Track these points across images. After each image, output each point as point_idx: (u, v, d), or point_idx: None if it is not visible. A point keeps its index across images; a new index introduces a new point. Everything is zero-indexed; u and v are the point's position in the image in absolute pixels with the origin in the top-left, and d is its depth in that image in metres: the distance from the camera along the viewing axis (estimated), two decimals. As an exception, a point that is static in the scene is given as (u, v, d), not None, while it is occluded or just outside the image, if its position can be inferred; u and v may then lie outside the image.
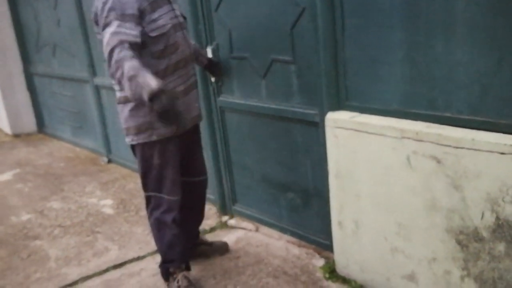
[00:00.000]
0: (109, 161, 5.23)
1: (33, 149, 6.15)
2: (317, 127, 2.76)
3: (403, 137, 2.20)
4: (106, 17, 2.30)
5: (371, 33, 2.34)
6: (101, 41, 2.37)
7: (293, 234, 3.21)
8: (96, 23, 2.42)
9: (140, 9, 2.34)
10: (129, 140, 2.60)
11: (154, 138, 2.53)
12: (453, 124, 2.09)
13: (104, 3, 2.32)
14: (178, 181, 2.66)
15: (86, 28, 4.85)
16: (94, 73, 5.01)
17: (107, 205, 4.17)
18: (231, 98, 3.30)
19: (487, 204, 1.95)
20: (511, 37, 1.86)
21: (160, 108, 2.10)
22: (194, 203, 2.95)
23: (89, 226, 3.80)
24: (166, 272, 2.78)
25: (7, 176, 5.22)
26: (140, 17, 2.34)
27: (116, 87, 2.52)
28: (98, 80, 4.97)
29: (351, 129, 2.46)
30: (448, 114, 2.12)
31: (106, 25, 2.30)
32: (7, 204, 4.42)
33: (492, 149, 1.88)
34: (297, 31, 2.71)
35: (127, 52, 2.22)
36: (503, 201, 1.89)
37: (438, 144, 2.06)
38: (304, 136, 2.91)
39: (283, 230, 3.28)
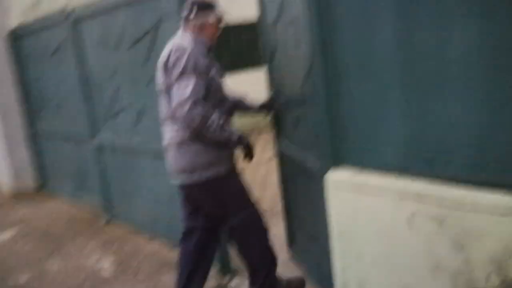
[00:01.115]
0: (109, 221, 5.17)
1: (33, 207, 6.11)
2: (320, 182, 2.74)
3: (403, 198, 2.18)
4: (184, 67, 2.62)
5: (368, 91, 2.36)
6: (164, 88, 2.74)
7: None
8: (166, 67, 2.70)
9: (207, 66, 2.73)
10: (196, 177, 2.81)
11: (223, 170, 2.84)
12: (454, 183, 2.07)
13: (182, 54, 2.64)
14: None
15: (89, 87, 4.93)
16: (95, 131, 5.05)
17: (104, 267, 4.08)
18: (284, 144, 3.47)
19: (492, 266, 1.90)
20: (507, 94, 1.87)
21: (245, 145, 2.86)
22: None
23: (86, 289, 3.71)
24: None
25: (5, 235, 5.15)
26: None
27: (176, 131, 2.79)
28: (99, 139, 5.00)
29: (352, 188, 2.44)
30: (448, 173, 2.10)
31: (182, 75, 2.62)
32: (5, 266, 4.34)
33: (493, 211, 1.85)
34: (306, 86, 2.76)
35: (205, 106, 2.65)
36: (508, 263, 1.84)
37: (439, 205, 2.04)
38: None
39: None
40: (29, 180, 6.82)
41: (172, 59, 2.67)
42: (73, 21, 4.83)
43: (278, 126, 3.46)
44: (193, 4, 2.84)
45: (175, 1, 3.34)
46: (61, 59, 5.40)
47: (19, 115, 6.70)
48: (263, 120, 3.57)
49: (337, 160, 2.59)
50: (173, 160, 2.87)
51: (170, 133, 2.85)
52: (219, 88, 2.84)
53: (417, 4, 2.08)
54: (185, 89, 2.61)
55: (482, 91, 1.93)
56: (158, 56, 3.66)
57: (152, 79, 3.81)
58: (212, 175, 2.81)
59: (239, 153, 2.95)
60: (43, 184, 6.78)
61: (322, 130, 2.61)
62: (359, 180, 2.41)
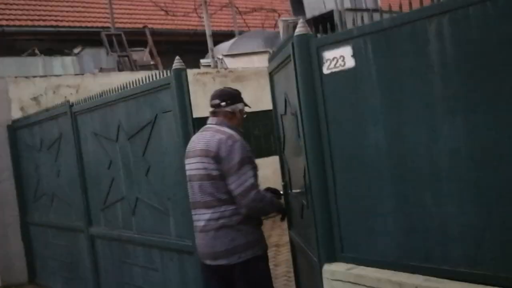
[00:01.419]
0: (100, 315, 4.98)
1: (21, 302, 5.89)
2: (317, 276, 2.69)
3: (402, 291, 2.15)
4: (241, 159, 2.86)
5: (362, 185, 2.40)
6: (209, 174, 2.91)
7: None
8: (215, 158, 2.88)
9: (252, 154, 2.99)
10: (235, 259, 2.90)
11: (261, 252, 3.01)
12: (452, 278, 2.05)
13: (232, 145, 2.88)
14: None
15: (85, 178, 4.96)
16: (90, 222, 5.01)
17: None
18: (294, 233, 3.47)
19: None
20: (497, 189, 1.91)
21: (282, 208, 3.29)
22: None
23: None
24: None
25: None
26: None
27: (218, 215, 2.92)
28: (93, 230, 4.95)
29: (348, 281, 2.41)
30: (445, 267, 2.10)
31: (241, 165, 2.85)
32: None
33: (494, 305, 1.82)
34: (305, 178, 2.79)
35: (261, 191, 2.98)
36: None
37: (438, 299, 2.00)
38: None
39: None
40: (20, 272, 6.63)
41: (225, 149, 2.88)
42: (73, 114, 4.97)
43: (289, 214, 3.47)
44: (224, 93, 3.12)
45: (173, 96, 3.47)
46: (59, 151, 5.48)
47: (15, 205, 6.66)
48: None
49: (333, 252, 2.57)
50: (209, 243, 2.95)
51: (206, 217, 2.95)
52: None
53: (405, 102, 2.18)
54: (248, 178, 2.88)
55: (473, 186, 1.98)
56: (155, 147, 3.77)
57: (149, 170, 3.87)
58: (251, 255, 2.94)
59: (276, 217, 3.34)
60: (35, 276, 6.59)
61: (319, 222, 2.61)
62: (356, 273, 2.38)
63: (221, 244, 2.91)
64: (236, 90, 3.20)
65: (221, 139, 2.91)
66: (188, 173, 3.07)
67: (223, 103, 3.07)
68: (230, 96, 3.10)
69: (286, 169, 3.45)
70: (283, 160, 3.52)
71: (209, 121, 3.10)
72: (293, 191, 3.24)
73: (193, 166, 3.01)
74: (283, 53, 2.93)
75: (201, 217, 2.98)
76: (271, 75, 3.52)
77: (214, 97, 3.12)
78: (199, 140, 3.01)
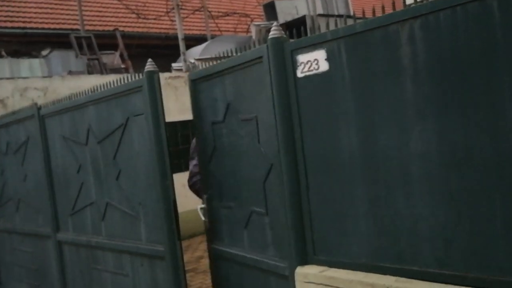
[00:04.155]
0: (67, 323, 4.86)
1: (-15, 311, 5.70)
2: (287, 281, 2.70)
3: (375, 293, 2.16)
4: None
5: (334, 188, 2.42)
6: None
7: None
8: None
9: None
10: None
11: None
12: (423, 278, 2.08)
13: None
14: None
15: (53, 183, 4.85)
16: (57, 228, 4.89)
17: None
18: (221, 245, 3.31)
19: None
20: (467, 191, 1.95)
21: None
22: None
23: None
24: None
25: None
26: None
27: None
28: (61, 236, 4.83)
29: (321, 283, 2.42)
30: (416, 268, 2.12)
31: None
32: None
33: (464, 305, 1.86)
34: (268, 185, 2.79)
35: None
36: None
37: (410, 300, 2.03)
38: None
39: None
40: (-18, 280, 6.42)
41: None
42: (41, 117, 4.85)
43: (212, 227, 3.36)
44: None
45: (145, 99, 3.42)
46: (25, 155, 5.34)
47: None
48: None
49: (306, 255, 2.58)
50: None
51: None
52: None
53: (378, 105, 2.21)
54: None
55: (443, 187, 2.01)
56: (126, 151, 3.71)
57: (120, 174, 3.81)
58: None
59: None
60: (0, 283, 6.40)
61: (289, 227, 2.61)
62: (329, 275, 2.39)
63: None
64: None
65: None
66: None
67: None
68: None
69: (215, 180, 3.30)
70: (207, 171, 3.38)
71: None
72: (227, 202, 3.18)
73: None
74: (240, 58, 2.88)
75: None
76: (194, 82, 3.37)
77: None
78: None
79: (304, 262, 2.58)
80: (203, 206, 3.42)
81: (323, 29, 2.50)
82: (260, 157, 2.82)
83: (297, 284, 2.54)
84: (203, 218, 3.43)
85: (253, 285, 3.03)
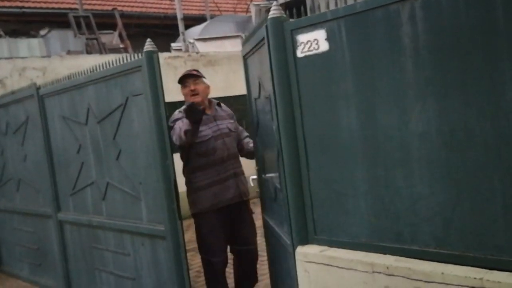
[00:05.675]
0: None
1: (-13, 289, 5.77)
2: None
3: (374, 272, 2.19)
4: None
5: (334, 168, 2.42)
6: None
7: None
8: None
9: None
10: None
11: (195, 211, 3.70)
12: (422, 257, 2.10)
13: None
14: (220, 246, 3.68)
15: (53, 163, 4.85)
16: (58, 207, 4.91)
17: None
18: (266, 216, 3.52)
19: None
20: (466, 171, 1.96)
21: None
22: (244, 269, 3.87)
23: None
24: None
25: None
26: None
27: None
28: (62, 216, 4.86)
29: (321, 263, 2.44)
30: (415, 247, 2.14)
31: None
32: None
33: (462, 283, 1.88)
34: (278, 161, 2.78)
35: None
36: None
37: (409, 278, 2.05)
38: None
39: None
40: (-16, 260, 6.47)
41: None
42: (40, 97, 4.84)
43: (263, 198, 3.48)
44: None
45: (145, 79, 3.41)
46: (25, 135, 5.34)
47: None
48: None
49: (306, 235, 2.60)
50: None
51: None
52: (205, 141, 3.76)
53: (378, 85, 2.20)
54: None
55: (443, 167, 2.02)
56: (126, 131, 3.71)
57: (120, 154, 3.81)
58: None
59: None
60: (0, 263, 6.44)
61: (291, 205, 2.63)
62: (329, 254, 2.41)
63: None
64: None
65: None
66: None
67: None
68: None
69: (260, 154, 3.45)
70: (257, 144, 3.51)
71: None
72: (267, 175, 3.25)
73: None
74: (257, 36, 2.91)
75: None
76: (245, 58, 3.50)
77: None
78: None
79: (305, 241, 2.60)
80: (255, 177, 3.66)
81: (323, 9, 2.48)
82: (273, 134, 2.83)
83: (298, 263, 2.56)
84: (256, 190, 3.72)
85: (280, 254, 3.13)
